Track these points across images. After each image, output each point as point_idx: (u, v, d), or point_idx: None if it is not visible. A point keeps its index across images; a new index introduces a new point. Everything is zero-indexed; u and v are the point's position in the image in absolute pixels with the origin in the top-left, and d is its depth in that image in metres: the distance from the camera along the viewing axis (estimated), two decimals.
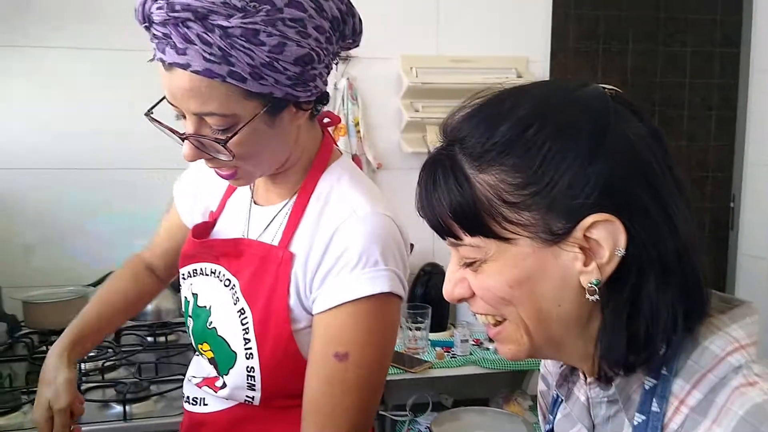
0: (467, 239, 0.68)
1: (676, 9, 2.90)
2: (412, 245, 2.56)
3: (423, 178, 0.70)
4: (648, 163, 0.65)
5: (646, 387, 0.67)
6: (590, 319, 0.68)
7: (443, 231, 0.70)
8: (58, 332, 2.11)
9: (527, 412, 2.44)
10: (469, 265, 0.70)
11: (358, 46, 1.06)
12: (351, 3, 1.00)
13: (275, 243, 1.07)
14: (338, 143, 2.48)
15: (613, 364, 0.67)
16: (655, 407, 0.66)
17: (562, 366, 0.82)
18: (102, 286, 1.36)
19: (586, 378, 0.75)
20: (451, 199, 0.67)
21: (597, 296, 0.65)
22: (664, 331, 0.65)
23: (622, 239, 0.63)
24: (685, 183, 0.68)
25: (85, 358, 1.91)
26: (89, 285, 2.27)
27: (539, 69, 2.76)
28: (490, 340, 2.48)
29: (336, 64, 1.04)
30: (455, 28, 2.68)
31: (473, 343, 2.47)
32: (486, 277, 0.68)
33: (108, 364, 1.87)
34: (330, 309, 1.00)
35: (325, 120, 1.16)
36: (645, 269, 0.65)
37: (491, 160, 0.65)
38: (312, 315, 1.04)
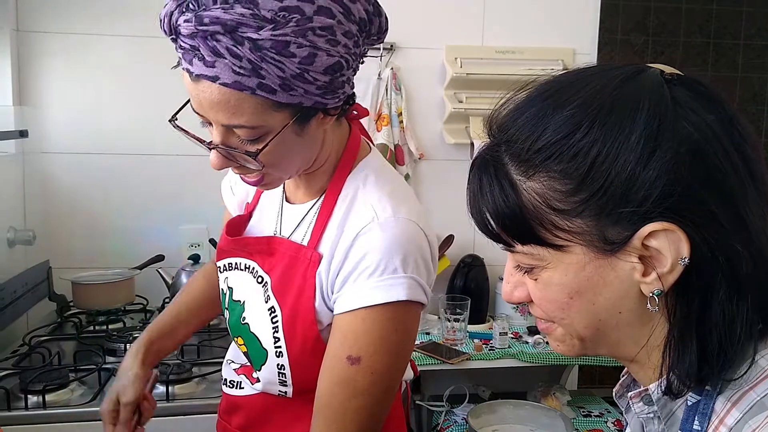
0: (519, 247, 0.65)
1: (729, 1, 2.82)
2: (452, 236, 2.57)
3: (470, 182, 0.67)
4: (713, 159, 0.59)
5: (689, 403, 0.63)
6: (654, 328, 0.64)
7: (494, 237, 0.67)
8: (105, 312, 2.19)
9: (565, 407, 2.42)
10: (527, 271, 0.67)
11: (382, 42, 1.04)
12: (378, 2, 0.98)
13: (305, 243, 1.07)
14: (381, 133, 2.51)
15: (684, 376, 0.62)
16: (696, 425, 0.62)
17: (623, 375, 0.77)
18: (179, 291, 1.38)
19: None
20: (497, 208, 0.64)
21: (657, 308, 0.61)
22: (739, 343, 0.60)
23: (684, 248, 0.58)
24: (766, 178, 0.62)
25: (130, 338, 1.96)
26: (135, 268, 2.33)
27: (586, 61, 2.71)
28: (529, 334, 2.47)
29: (362, 63, 1.01)
30: (501, 18, 2.65)
31: (512, 336, 2.46)
32: (545, 288, 0.65)
33: None
34: (346, 312, 1.00)
35: (353, 112, 1.12)
36: (714, 277, 0.59)
37: (538, 166, 0.61)
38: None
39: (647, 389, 0.67)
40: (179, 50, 0.89)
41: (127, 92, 2.43)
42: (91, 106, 2.42)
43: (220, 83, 0.87)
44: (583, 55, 2.72)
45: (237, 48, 0.84)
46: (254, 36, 0.84)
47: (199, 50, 0.86)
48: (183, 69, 0.91)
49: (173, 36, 0.88)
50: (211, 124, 0.94)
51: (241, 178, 1.03)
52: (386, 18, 1.00)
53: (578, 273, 0.63)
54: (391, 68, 2.55)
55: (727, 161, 0.59)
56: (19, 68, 2.34)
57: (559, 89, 0.64)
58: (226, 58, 0.85)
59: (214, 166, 0.97)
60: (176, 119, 0.99)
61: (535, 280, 0.66)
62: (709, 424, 0.61)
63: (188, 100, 0.96)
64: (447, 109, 2.60)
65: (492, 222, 0.65)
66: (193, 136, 0.99)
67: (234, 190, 1.28)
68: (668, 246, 0.59)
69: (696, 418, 0.62)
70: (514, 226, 0.64)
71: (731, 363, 0.60)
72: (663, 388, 0.64)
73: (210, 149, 0.96)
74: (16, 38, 2.32)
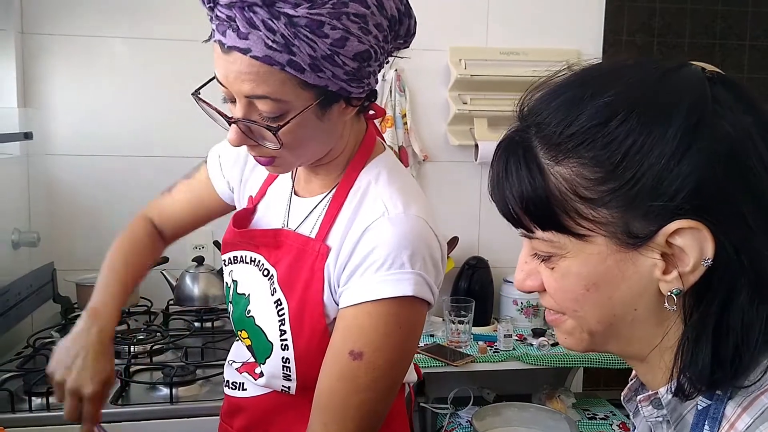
0: (539, 233, 0.64)
1: (734, 1, 2.81)
2: (456, 238, 2.56)
3: (495, 163, 0.65)
4: (748, 161, 0.58)
5: (699, 407, 0.62)
6: (669, 327, 0.63)
7: (514, 221, 0.65)
8: None
9: (570, 409, 2.42)
10: (544, 259, 0.65)
11: (407, 47, 1.06)
12: (409, 4, 1.00)
13: (313, 235, 1.07)
14: (385, 135, 2.50)
15: (696, 380, 0.60)
16: (706, 430, 0.61)
17: (632, 379, 0.75)
18: (125, 250, 1.35)
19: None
20: (522, 191, 0.62)
21: (674, 307, 0.60)
22: (756, 348, 0.59)
23: (709, 248, 0.58)
24: None
25: (134, 340, 1.96)
26: None
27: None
28: (534, 336, 2.46)
29: (387, 63, 1.03)
30: (505, 19, 2.65)
31: (516, 338, 2.45)
32: (562, 277, 0.64)
33: (156, 347, 1.91)
34: (351, 306, 1.00)
35: (370, 112, 1.13)
36: (736, 280, 0.59)
37: (569, 151, 0.60)
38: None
39: (657, 393, 0.66)
40: (215, 20, 0.92)
41: (131, 94, 2.43)
42: (96, 108, 2.42)
43: (251, 56, 0.89)
44: (588, 57, 2.67)
45: (273, 22, 0.87)
46: (291, 12, 0.87)
47: (234, 21, 0.88)
48: (215, 41, 0.93)
49: (211, 4, 0.91)
50: (233, 102, 0.96)
51: (254, 157, 1.03)
52: (415, 21, 1.02)
53: (598, 265, 0.62)
54: (395, 70, 2.55)
55: (761, 164, 0.58)
56: (24, 70, 2.35)
57: (598, 76, 0.63)
58: (260, 31, 0.87)
59: (231, 142, 0.98)
60: (199, 93, 1.00)
61: (552, 269, 0.65)
62: (719, 428, 0.60)
63: (213, 77, 0.97)
64: (451, 111, 2.60)
65: (514, 205, 0.64)
66: (215, 109, 0.99)
67: (223, 168, 1.27)
68: (693, 245, 0.58)
69: (706, 423, 0.61)
70: (537, 210, 0.63)
71: (745, 369, 0.59)
72: (673, 389, 0.63)
73: (230, 124, 0.97)
74: (21, 40, 2.33)
